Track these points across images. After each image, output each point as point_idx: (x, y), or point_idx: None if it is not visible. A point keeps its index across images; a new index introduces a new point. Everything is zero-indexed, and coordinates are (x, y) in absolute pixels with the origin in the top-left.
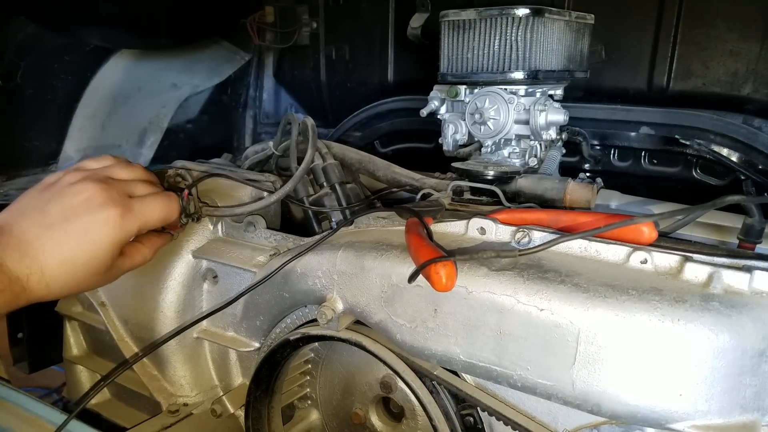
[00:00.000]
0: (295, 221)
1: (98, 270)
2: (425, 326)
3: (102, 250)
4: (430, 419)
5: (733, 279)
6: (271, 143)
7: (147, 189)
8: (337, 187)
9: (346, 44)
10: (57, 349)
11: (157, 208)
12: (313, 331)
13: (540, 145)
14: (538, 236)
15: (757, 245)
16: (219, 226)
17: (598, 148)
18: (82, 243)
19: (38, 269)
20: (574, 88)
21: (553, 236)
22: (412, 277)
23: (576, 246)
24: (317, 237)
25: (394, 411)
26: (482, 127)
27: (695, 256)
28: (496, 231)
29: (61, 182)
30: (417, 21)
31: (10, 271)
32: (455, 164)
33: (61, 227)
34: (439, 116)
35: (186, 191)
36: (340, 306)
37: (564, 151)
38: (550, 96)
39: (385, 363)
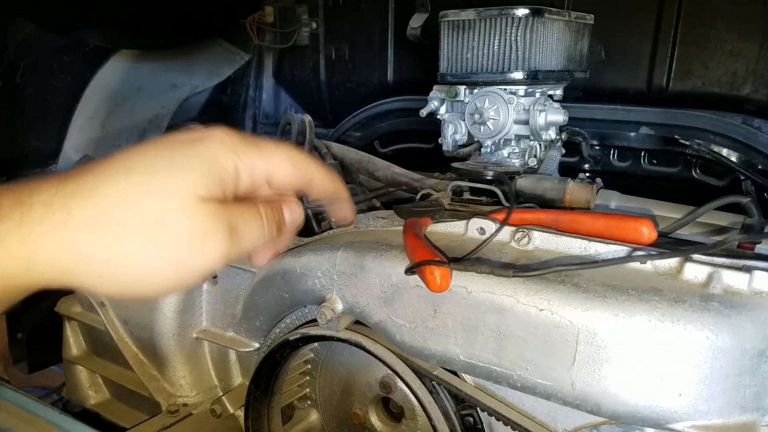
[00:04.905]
0: None
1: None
2: (425, 326)
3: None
4: (430, 419)
5: (733, 279)
6: None
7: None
8: None
9: (345, 44)
10: (56, 349)
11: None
12: (312, 331)
13: (540, 145)
14: (538, 236)
15: (757, 245)
16: None
17: (597, 148)
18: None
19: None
20: (574, 88)
21: (555, 266)
22: (408, 270)
23: (576, 246)
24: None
25: (393, 411)
26: (482, 128)
27: (695, 256)
28: None
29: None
30: (417, 21)
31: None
32: (455, 164)
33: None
34: (438, 116)
35: None
36: (339, 306)
37: (563, 151)
38: (550, 96)
39: (384, 363)
